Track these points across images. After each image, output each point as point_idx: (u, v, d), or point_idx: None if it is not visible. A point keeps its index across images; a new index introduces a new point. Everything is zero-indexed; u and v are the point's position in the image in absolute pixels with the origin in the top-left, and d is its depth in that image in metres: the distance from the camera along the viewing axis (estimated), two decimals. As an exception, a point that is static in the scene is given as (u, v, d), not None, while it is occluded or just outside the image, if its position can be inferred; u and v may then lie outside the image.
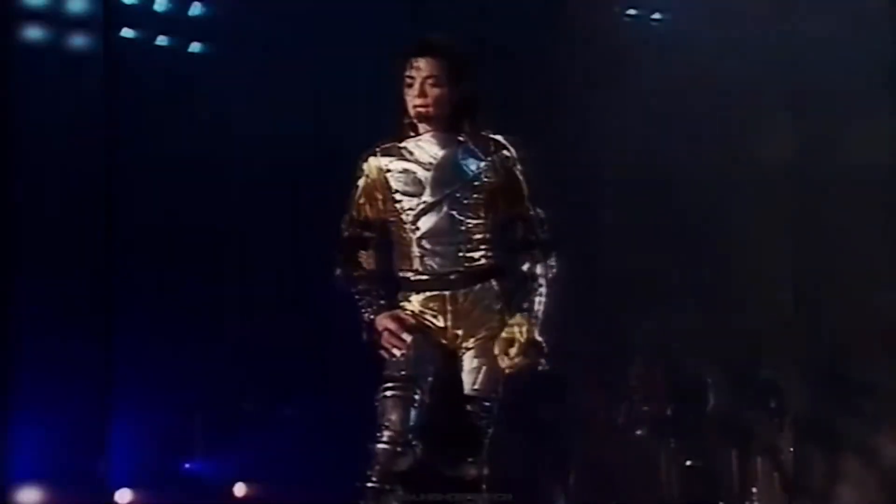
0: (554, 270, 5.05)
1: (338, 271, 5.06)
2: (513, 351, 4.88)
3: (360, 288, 5.02)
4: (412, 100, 5.01)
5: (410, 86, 5.00)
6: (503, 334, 4.92)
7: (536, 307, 5.00)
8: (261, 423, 7.27)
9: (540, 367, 4.96)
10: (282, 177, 7.40)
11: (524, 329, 4.91)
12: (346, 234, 5.08)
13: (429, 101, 4.99)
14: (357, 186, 5.09)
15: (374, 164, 5.06)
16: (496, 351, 4.91)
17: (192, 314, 7.26)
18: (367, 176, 5.06)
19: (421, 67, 4.97)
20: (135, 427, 7.17)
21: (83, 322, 7.13)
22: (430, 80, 4.97)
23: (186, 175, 7.36)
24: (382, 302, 5.00)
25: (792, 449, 7.49)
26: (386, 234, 5.07)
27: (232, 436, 7.29)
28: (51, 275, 7.12)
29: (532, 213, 5.10)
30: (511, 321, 4.95)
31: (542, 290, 5.02)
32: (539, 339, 4.93)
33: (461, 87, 5.00)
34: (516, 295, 5.02)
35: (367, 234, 5.08)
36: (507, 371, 4.93)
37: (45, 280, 7.11)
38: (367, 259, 5.07)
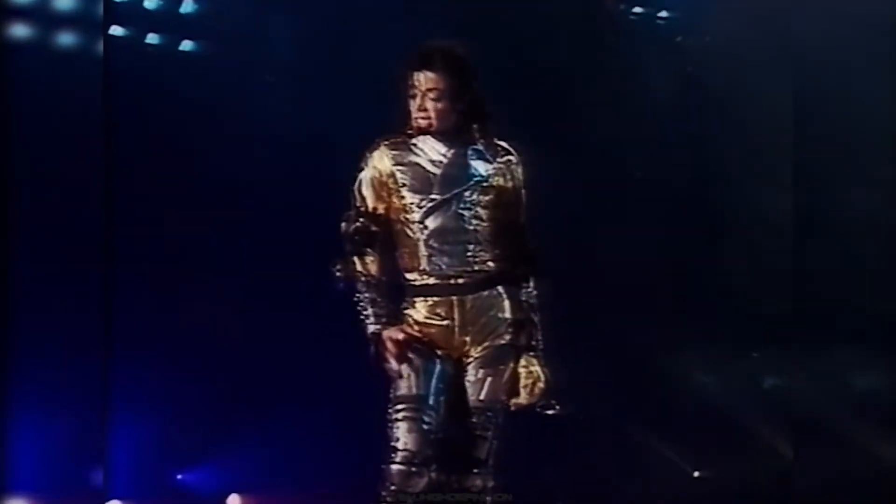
0: (534, 290, 5.01)
1: (339, 269, 4.90)
2: (536, 391, 4.91)
3: (365, 296, 4.89)
4: (414, 112, 4.93)
5: (413, 97, 4.92)
6: (523, 376, 4.92)
7: (540, 343, 5.00)
8: (256, 434, 7.14)
9: (551, 411, 4.97)
10: (284, 176, 7.26)
11: (542, 370, 4.92)
12: (352, 228, 4.93)
13: (430, 114, 4.91)
14: (362, 178, 4.97)
15: (381, 156, 4.96)
16: (518, 390, 4.91)
17: (191, 321, 7.11)
18: (375, 167, 4.96)
19: (421, 81, 4.89)
20: (130, 438, 7.09)
21: (81, 330, 7.03)
22: (430, 94, 4.89)
23: (187, 176, 7.23)
24: (387, 315, 4.88)
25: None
26: (389, 232, 4.96)
27: (226, 447, 7.19)
28: (47, 280, 7.02)
29: (526, 224, 5.05)
30: (526, 361, 4.94)
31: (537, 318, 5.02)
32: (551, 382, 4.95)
33: (465, 97, 4.91)
34: (523, 328, 4.97)
35: (374, 227, 4.94)
36: (514, 408, 4.93)
37: (42, 286, 7.02)
38: (372, 262, 4.91)
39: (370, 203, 4.96)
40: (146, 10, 7.40)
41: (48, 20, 7.18)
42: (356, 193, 4.98)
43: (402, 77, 4.92)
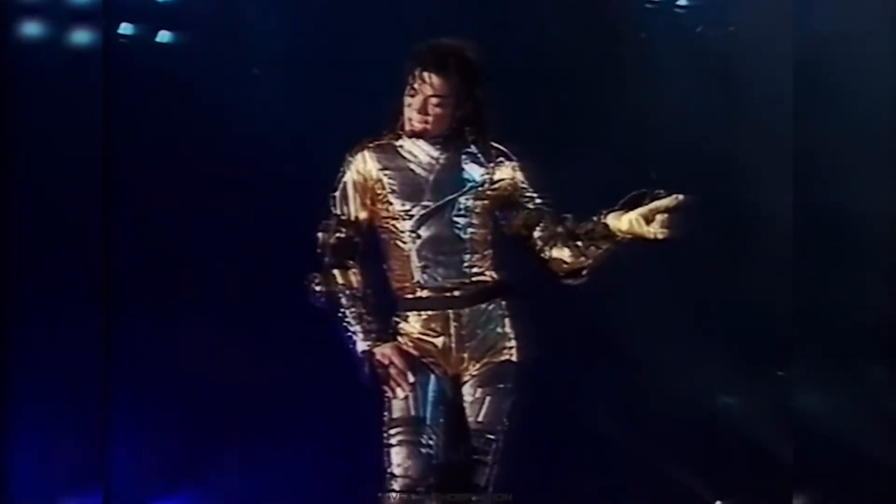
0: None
1: (317, 282, 4.58)
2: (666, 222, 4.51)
3: (351, 311, 4.55)
4: (411, 112, 4.59)
5: (413, 96, 4.58)
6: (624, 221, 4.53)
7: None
8: (249, 461, 6.96)
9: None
10: (286, 176, 7.03)
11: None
12: (332, 238, 4.61)
13: (428, 119, 4.58)
14: (344, 183, 4.65)
15: (365, 159, 4.64)
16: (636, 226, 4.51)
17: (191, 335, 6.90)
18: (358, 172, 4.63)
19: (428, 83, 4.55)
20: (130, 458, 6.95)
21: (80, 347, 6.88)
22: (434, 99, 4.56)
23: (188, 173, 7.02)
24: (378, 331, 4.55)
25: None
26: (374, 241, 4.66)
27: (222, 470, 6.99)
28: (46, 282, 6.87)
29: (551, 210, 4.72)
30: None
31: None
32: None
33: (468, 104, 4.58)
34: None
35: (357, 237, 4.63)
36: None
37: (40, 288, 6.88)
38: (354, 274, 4.60)
39: (352, 211, 4.65)
40: (149, 6, 7.22)
41: (51, 17, 7.04)
42: (337, 200, 4.66)
43: (406, 73, 4.59)
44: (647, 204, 4.52)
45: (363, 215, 4.64)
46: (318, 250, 4.65)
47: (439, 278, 4.59)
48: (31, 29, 6.99)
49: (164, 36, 7.24)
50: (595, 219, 4.61)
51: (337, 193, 4.66)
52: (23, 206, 6.93)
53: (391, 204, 4.60)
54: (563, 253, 4.64)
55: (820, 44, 7.04)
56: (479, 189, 4.62)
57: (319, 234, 4.65)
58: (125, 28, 7.16)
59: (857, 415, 7.19)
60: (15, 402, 6.89)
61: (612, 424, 7.10)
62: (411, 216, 4.58)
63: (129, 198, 7.00)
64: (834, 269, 7.08)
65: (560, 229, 4.66)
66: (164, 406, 6.92)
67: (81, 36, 7.05)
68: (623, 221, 4.54)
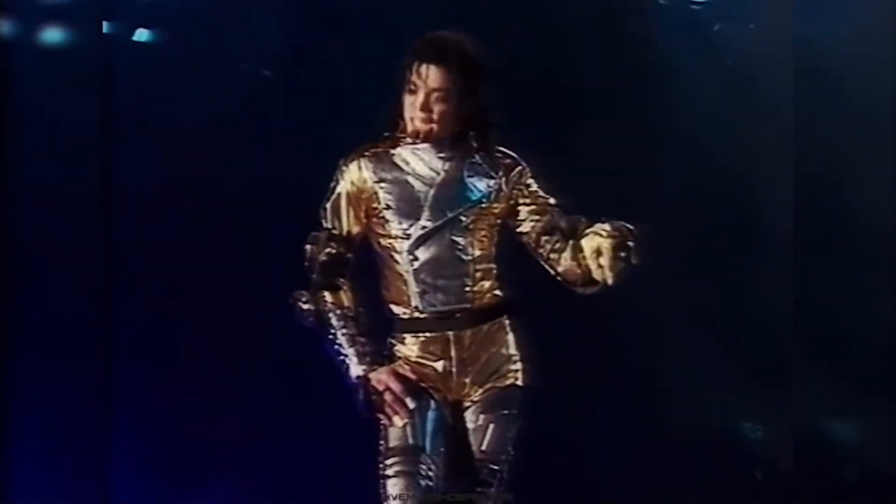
0: None
1: (305, 301, 4.32)
2: (603, 260, 4.00)
3: (343, 332, 4.27)
4: (412, 110, 4.30)
5: (413, 92, 4.29)
6: (584, 247, 4.06)
7: None
8: (246, 488, 6.79)
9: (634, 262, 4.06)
10: (289, 178, 6.84)
11: (604, 230, 4.04)
12: (322, 254, 4.34)
13: (433, 116, 4.28)
14: (338, 194, 4.38)
15: (359, 170, 4.36)
16: (591, 261, 4.03)
17: (191, 344, 6.76)
18: (352, 183, 4.36)
19: (429, 77, 4.26)
20: (131, 475, 6.82)
21: (81, 355, 6.76)
22: (437, 94, 4.27)
23: (187, 178, 6.86)
24: (372, 353, 4.28)
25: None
26: (367, 256, 4.41)
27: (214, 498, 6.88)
28: (45, 285, 6.77)
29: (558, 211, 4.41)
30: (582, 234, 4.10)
31: None
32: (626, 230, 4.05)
33: (472, 102, 4.30)
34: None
35: (349, 254, 4.37)
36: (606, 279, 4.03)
37: (40, 294, 6.77)
38: (345, 293, 4.33)
39: (345, 225, 4.37)
40: (148, 5, 7.08)
41: (44, 14, 6.93)
42: (328, 213, 4.39)
43: (406, 64, 4.31)
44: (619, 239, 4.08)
45: (356, 229, 4.37)
46: (306, 265, 4.39)
47: (438, 304, 4.33)
48: (27, 27, 6.89)
49: (162, 34, 7.11)
50: (583, 225, 4.21)
51: (329, 205, 4.39)
52: (22, 206, 6.82)
53: (387, 221, 4.34)
54: (566, 258, 4.30)
55: (820, 44, 6.89)
56: (483, 204, 4.36)
57: (307, 248, 4.38)
58: (123, 26, 7.03)
59: (858, 421, 7.09)
60: (15, 411, 6.79)
61: (622, 450, 6.94)
62: (408, 236, 4.32)
63: (128, 201, 6.85)
64: (834, 271, 6.94)
65: (563, 230, 4.33)
66: (163, 418, 6.79)
67: (79, 34, 6.94)
68: (589, 247, 4.10)
